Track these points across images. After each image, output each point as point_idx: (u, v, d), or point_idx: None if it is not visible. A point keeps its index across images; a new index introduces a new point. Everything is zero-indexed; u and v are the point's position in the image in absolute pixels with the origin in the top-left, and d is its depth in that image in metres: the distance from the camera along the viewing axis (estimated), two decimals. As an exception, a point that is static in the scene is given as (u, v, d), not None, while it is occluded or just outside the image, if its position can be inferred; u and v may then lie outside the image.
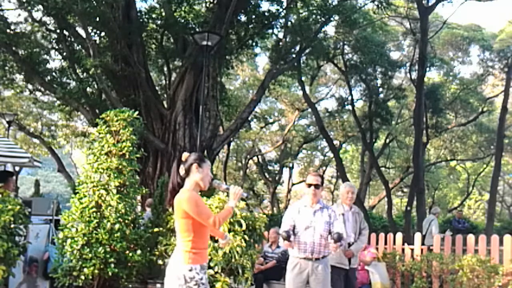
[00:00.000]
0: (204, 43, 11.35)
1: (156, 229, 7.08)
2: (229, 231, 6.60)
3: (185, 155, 3.82)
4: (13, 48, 13.46)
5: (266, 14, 14.87)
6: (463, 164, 32.27)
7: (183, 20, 14.74)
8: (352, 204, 6.31)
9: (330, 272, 5.43)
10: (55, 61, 15.86)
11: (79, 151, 28.17)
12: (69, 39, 14.23)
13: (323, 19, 15.48)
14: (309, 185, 5.43)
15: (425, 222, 13.48)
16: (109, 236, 6.44)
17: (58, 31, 14.25)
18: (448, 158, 29.46)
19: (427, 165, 26.34)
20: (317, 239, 5.28)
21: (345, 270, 6.07)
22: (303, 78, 21.03)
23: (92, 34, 13.49)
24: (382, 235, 9.66)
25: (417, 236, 9.65)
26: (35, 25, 14.35)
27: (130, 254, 6.55)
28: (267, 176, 30.24)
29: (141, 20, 14.26)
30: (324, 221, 5.35)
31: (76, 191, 6.85)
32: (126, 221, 6.63)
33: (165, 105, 14.33)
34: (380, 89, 22.25)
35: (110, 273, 6.39)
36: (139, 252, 6.59)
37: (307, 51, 16.74)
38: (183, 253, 3.67)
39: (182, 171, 3.77)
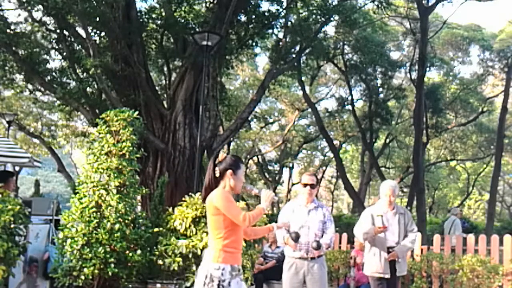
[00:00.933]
0: (204, 43, 11.35)
1: (156, 229, 7.08)
2: (229, 231, 6.60)
3: (222, 155, 3.87)
4: (13, 48, 13.44)
5: (266, 14, 14.84)
6: (463, 164, 32.27)
7: (183, 20, 14.72)
8: (394, 204, 5.88)
9: (326, 271, 5.46)
10: (55, 61, 15.85)
11: (79, 151, 28.16)
12: (69, 39, 14.20)
13: (323, 19, 15.46)
14: (305, 185, 5.46)
15: (448, 223, 13.32)
16: (109, 236, 6.44)
17: (58, 31, 14.22)
18: (448, 158, 29.47)
19: (427, 165, 26.34)
20: (312, 238, 5.30)
21: (386, 279, 5.64)
22: (303, 78, 21.03)
23: (92, 34, 13.46)
24: (382, 235, 9.65)
25: (417, 236, 9.64)
26: (35, 25, 14.32)
27: (130, 254, 6.55)
28: (267, 176, 30.24)
29: (141, 20, 14.24)
30: (318, 220, 5.40)
31: (76, 191, 6.85)
32: (126, 221, 6.63)
33: (165, 105, 14.32)
34: (380, 89, 22.26)
35: (110, 273, 6.40)
36: (139, 252, 6.59)
37: (307, 51, 16.71)
38: (213, 251, 3.67)
39: (217, 173, 3.79)
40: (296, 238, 5.14)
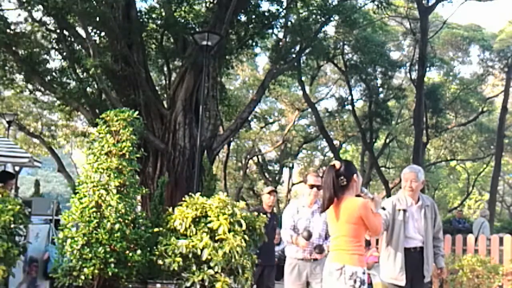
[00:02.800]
0: (204, 43, 11.35)
1: (156, 229, 7.08)
2: (229, 231, 6.60)
3: (337, 164, 3.96)
4: (13, 48, 13.42)
5: (266, 14, 14.86)
6: (463, 164, 32.29)
7: (183, 20, 14.73)
8: (419, 194, 4.94)
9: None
10: (55, 61, 15.84)
11: (79, 151, 28.16)
12: (69, 39, 14.20)
13: (323, 19, 15.47)
14: (312, 186, 5.43)
15: (476, 224, 13.19)
16: (109, 236, 6.43)
17: (58, 31, 14.21)
18: (448, 158, 29.51)
19: (427, 165, 26.34)
20: (315, 239, 5.29)
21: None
22: (303, 78, 21.05)
23: (92, 34, 13.47)
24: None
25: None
26: (35, 25, 14.31)
27: (130, 254, 6.54)
28: (267, 176, 30.24)
29: (141, 20, 14.25)
30: (322, 221, 5.38)
31: (76, 191, 6.84)
32: (126, 221, 6.62)
33: (165, 105, 14.32)
34: (380, 89, 22.29)
35: (110, 273, 6.38)
36: (139, 252, 6.58)
37: (307, 51, 16.73)
38: (355, 257, 3.85)
39: (343, 181, 3.89)
40: (309, 236, 5.16)
